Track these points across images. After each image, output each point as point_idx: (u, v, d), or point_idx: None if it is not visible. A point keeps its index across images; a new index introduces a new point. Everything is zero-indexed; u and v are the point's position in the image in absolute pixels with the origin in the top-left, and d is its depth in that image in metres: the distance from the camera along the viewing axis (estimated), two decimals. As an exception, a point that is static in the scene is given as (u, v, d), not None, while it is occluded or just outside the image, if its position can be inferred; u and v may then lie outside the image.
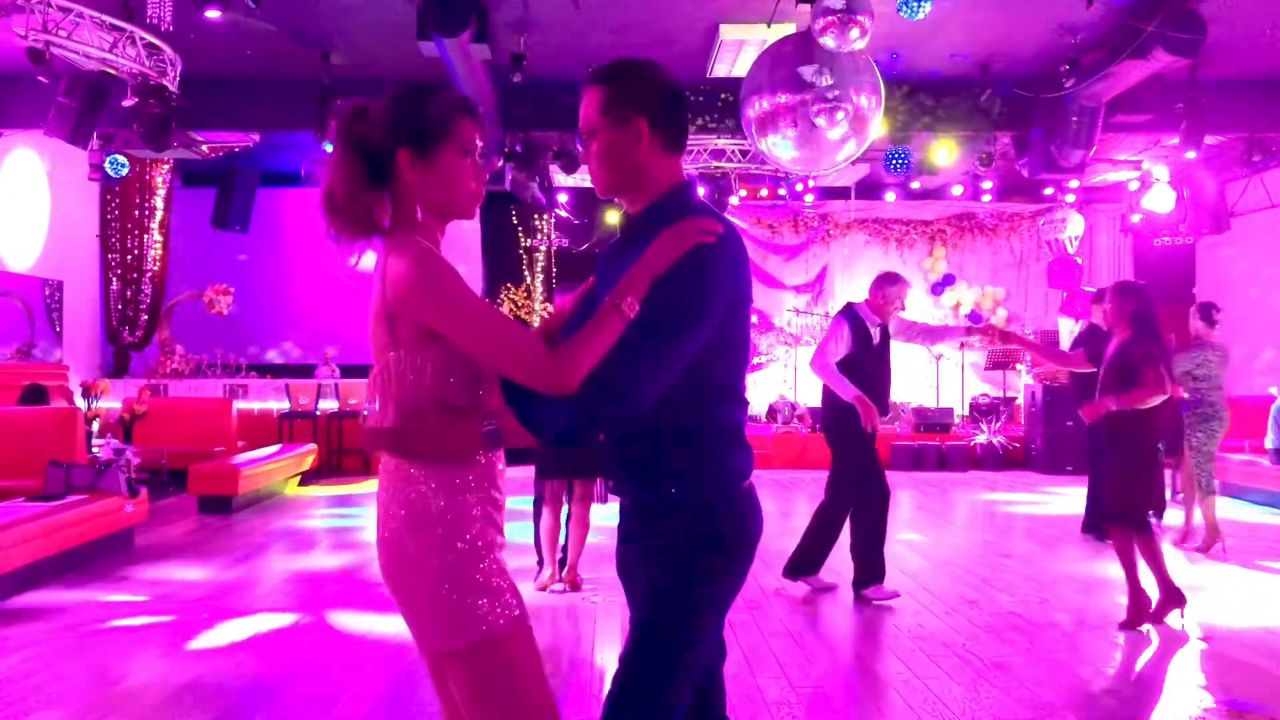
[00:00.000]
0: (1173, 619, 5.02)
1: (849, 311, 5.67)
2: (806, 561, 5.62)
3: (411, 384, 1.85)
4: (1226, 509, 9.03)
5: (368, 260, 2.01)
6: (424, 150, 1.89)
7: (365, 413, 2.06)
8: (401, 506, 1.85)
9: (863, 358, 5.49)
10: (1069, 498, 8.20)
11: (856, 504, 5.55)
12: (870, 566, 5.49)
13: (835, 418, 5.56)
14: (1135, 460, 4.94)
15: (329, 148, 2.00)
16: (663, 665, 1.93)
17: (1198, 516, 7.10)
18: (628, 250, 2.00)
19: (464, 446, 1.86)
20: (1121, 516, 4.98)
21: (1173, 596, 4.99)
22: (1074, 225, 13.55)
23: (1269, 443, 8.91)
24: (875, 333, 5.58)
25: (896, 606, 5.38)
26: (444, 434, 1.86)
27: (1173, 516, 7.37)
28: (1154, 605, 5.00)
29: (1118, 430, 4.97)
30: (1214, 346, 6.96)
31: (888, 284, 5.68)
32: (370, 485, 10.66)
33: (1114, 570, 6.40)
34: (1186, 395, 6.94)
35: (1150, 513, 4.92)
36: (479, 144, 1.96)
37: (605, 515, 7.74)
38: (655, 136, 2.01)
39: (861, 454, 5.53)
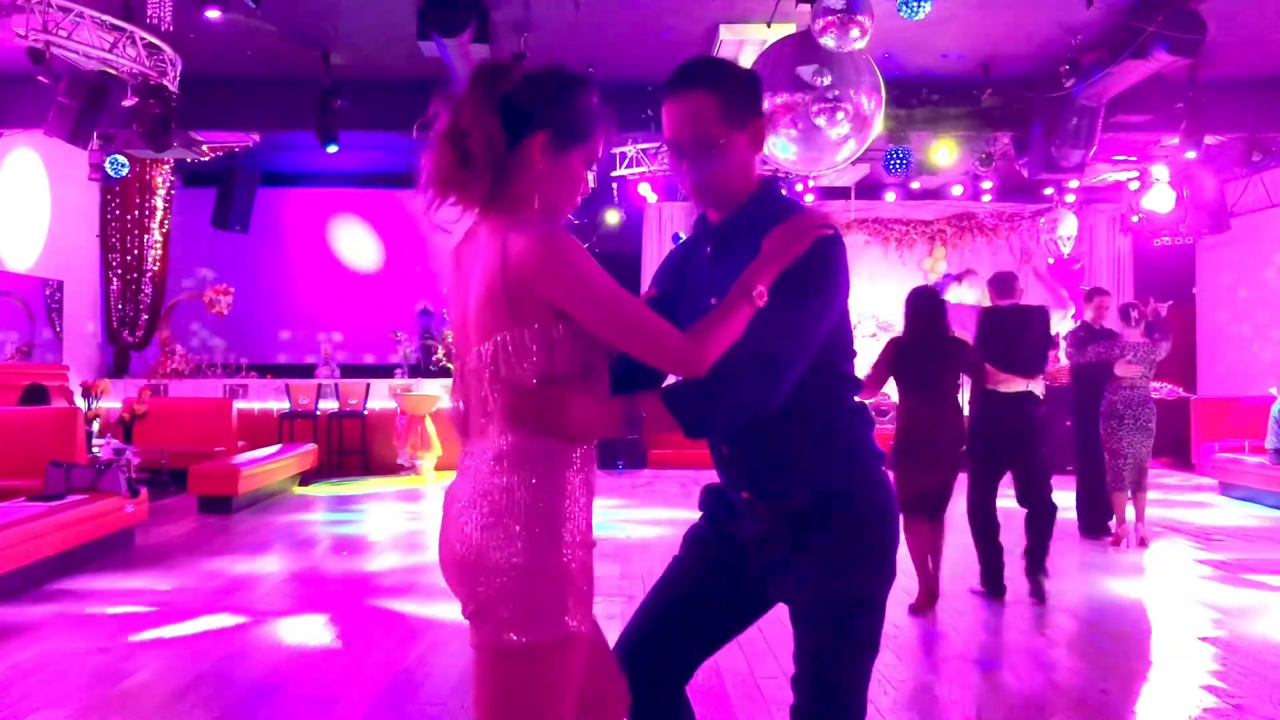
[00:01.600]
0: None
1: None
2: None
3: (539, 361, 1.75)
4: (1227, 509, 9.04)
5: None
6: (562, 144, 1.81)
7: (458, 403, 1.94)
8: (495, 489, 1.75)
9: None
10: (1069, 497, 8.19)
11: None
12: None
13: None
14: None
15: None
16: (859, 678, 2.00)
17: (1130, 512, 7.19)
18: (728, 254, 1.97)
19: (591, 424, 1.78)
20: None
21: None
22: (1067, 225, 13.55)
23: (1269, 443, 8.92)
24: None
25: (896, 606, 5.37)
26: (581, 407, 1.77)
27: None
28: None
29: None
30: (1128, 345, 6.98)
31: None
32: (370, 486, 10.66)
33: (1112, 570, 6.41)
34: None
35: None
36: (596, 161, 1.92)
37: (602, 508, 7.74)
38: (763, 137, 2.02)
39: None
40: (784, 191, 2.15)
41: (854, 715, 1.99)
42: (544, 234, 1.72)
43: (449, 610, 5.29)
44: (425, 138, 1.84)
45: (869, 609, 2.01)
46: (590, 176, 1.94)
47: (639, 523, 8.07)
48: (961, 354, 5.41)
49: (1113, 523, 7.30)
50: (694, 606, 2.11)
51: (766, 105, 2.07)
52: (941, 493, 5.28)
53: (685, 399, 1.82)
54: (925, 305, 5.42)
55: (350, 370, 12.57)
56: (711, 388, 1.79)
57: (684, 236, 14.55)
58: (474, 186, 1.78)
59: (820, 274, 1.89)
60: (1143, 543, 7.11)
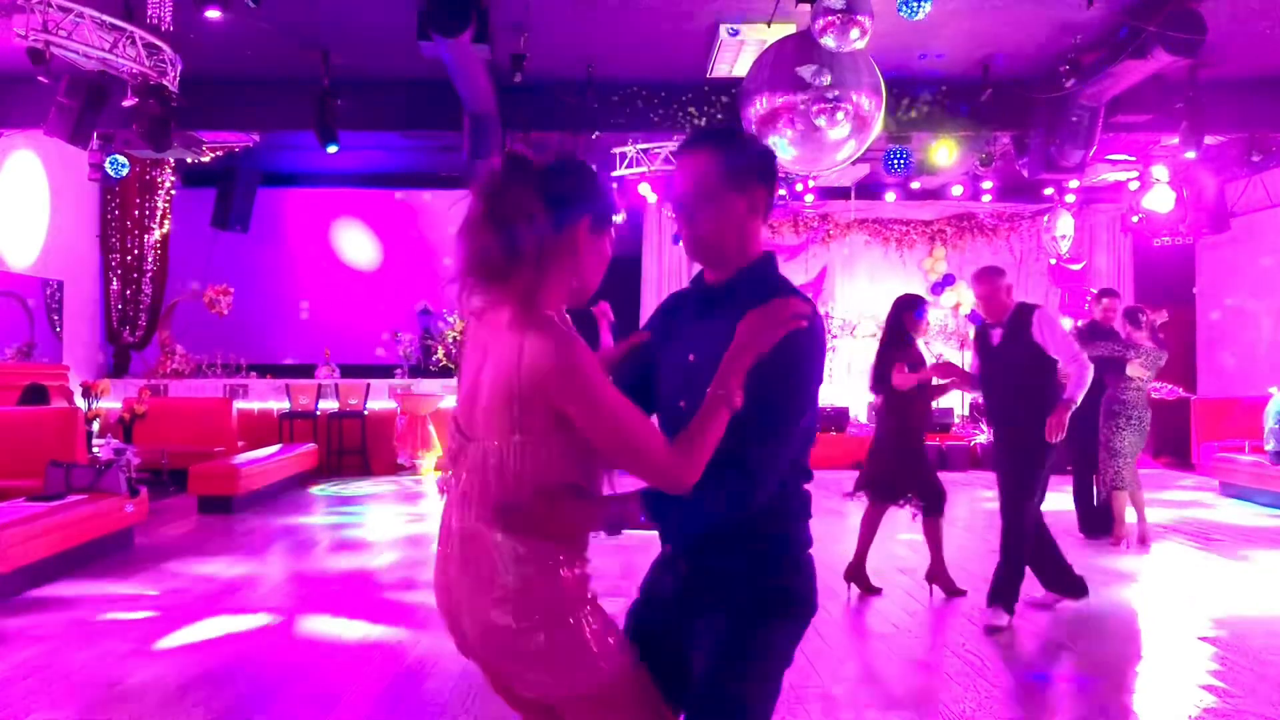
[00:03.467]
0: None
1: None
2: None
3: (540, 466, 1.81)
4: (1227, 509, 9.04)
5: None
6: (600, 228, 1.89)
7: (447, 477, 1.98)
8: (505, 584, 1.82)
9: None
10: (1069, 497, 8.19)
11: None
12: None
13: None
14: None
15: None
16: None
17: (1131, 514, 7.20)
18: (712, 317, 1.98)
19: (585, 528, 1.86)
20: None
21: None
22: (1063, 225, 13.55)
23: (1269, 445, 8.91)
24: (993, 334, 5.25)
25: (896, 606, 5.38)
26: (570, 515, 1.84)
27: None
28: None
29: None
30: (1141, 348, 6.97)
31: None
32: (370, 486, 10.66)
33: (1114, 570, 6.41)
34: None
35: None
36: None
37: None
38: (767, 212, 2.05)
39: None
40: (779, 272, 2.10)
41: None
42: (561, 340, 1.76)
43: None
44: (460, 226, 1.86)
45: (776, 666, 2.04)
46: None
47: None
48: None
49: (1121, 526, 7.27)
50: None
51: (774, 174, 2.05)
52: (885, 479, 5.70)
53: (664, 508, 1.86)
54: (893, 310, 5.81)
55: (350, 370, 12.57)
56: (690, 498, 1.82)
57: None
58: (519, 276, 1.79)
59: (791, 373, 1.89)
60: (1143, 541, 7.11)
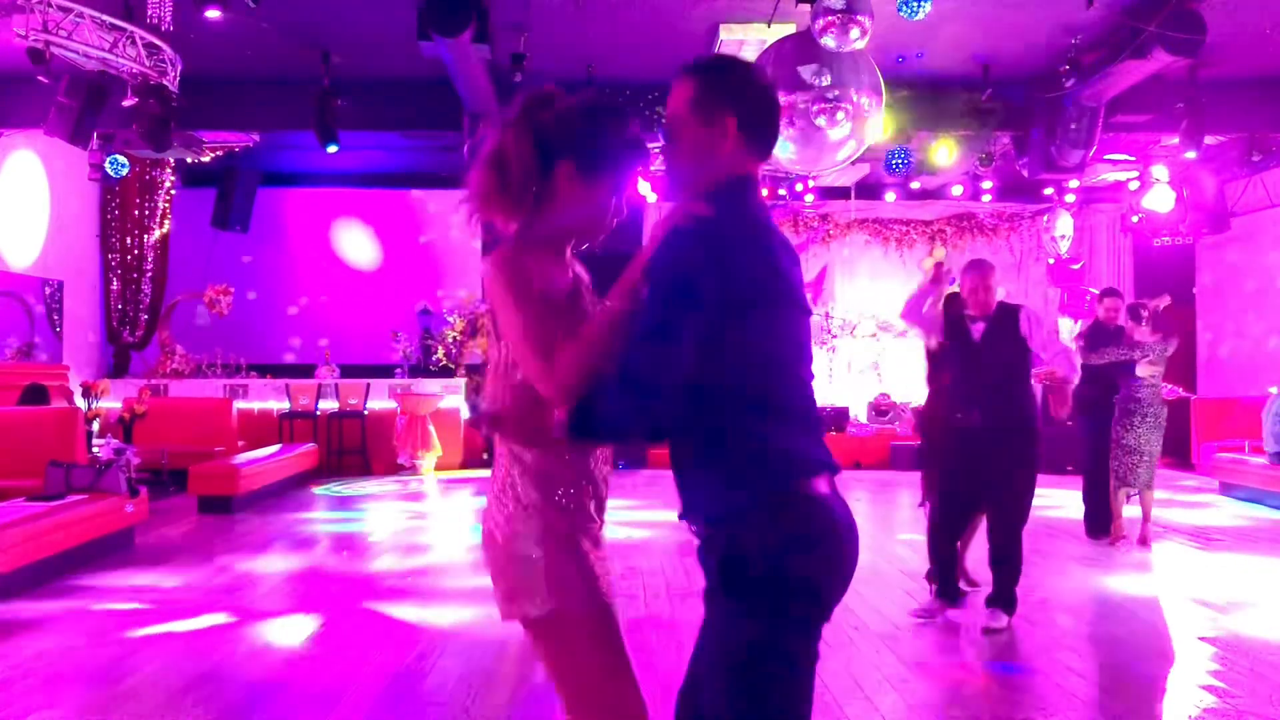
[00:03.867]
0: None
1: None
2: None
3: (504, 373, 1.95)
4: (1227, 509, 9.04)
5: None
6: (586, 174, 1.93)
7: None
8: (499, 486, 1.97)
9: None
10: (1070, 497, 8.21)
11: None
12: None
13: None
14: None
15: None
16: None
17: (1130, 511, 7.22)
18: None
19: (548, 432, 1.86)
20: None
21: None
22: (1062, 225, 13.55)
23: (1268, 446, 8.91)
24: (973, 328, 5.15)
25: (896, 606, 5.38)
26: (533, 420, 1.90)
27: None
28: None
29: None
30: (1145, 345, 6.99)
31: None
32: (370, 486, 10.66)
33: (1112, 570, 6.41)
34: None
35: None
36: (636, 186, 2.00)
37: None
38: (742, 139, 1.89)
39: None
40: (761, 193, 1.98)
41: None
42: (502, 252, 1.91)
43: (449, 611, 5.29)
44: (472, 155, 2.06)
45: (761, 656, 1.76)
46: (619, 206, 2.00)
47: (639, 523, 8.07)
48: None
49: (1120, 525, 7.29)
50: None
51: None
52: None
53: (571, 416, 1.80)
54: None
55: (350, 370, 12.56)
56: (587, 409, 1.78)
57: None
58: (514, 208, 1.94)
59: (663, 273, 1.76)
60: (1143, 542, 7.11)
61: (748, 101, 1.91)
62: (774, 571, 1.75)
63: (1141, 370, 6.95)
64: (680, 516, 1.92)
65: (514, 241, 1.95)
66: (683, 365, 1.74)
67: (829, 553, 1.80)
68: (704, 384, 1.77)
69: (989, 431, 4.95)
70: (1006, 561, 4.98)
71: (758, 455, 1.78)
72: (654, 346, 1.74)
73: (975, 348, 5.06)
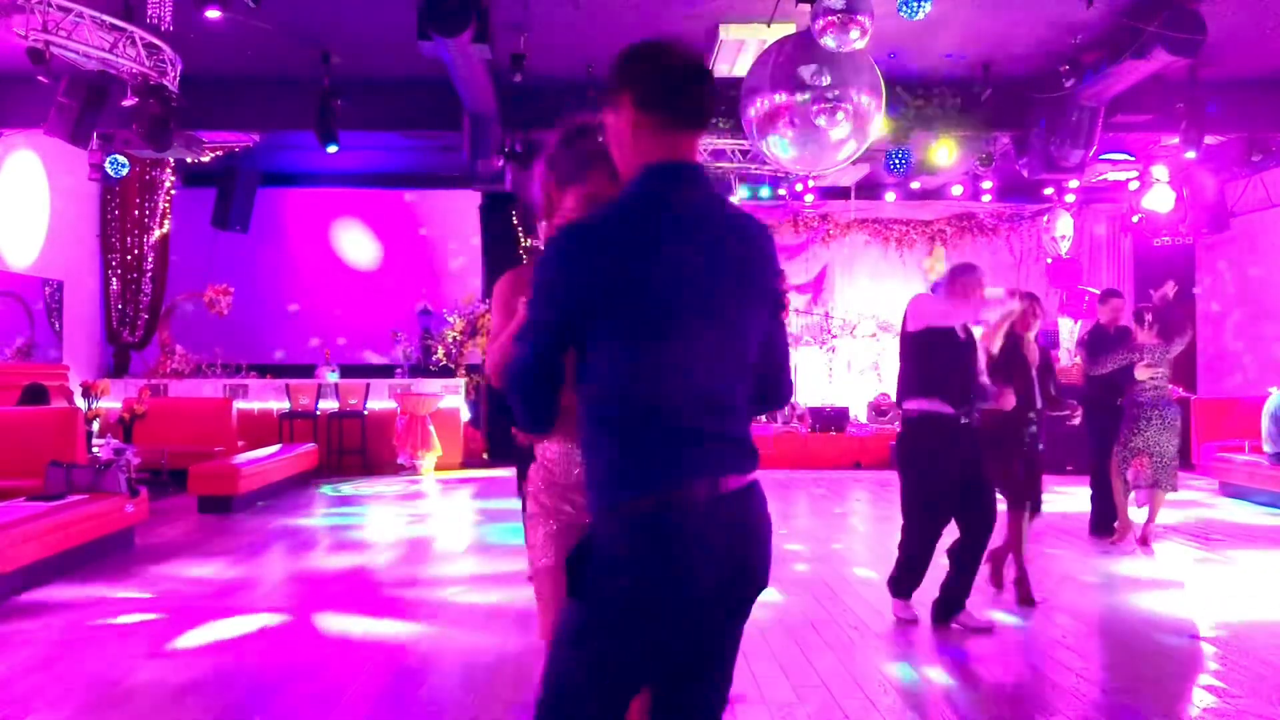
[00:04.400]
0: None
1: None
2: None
3: None
4: (1227, 509, 9.04)
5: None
6: (560, 184, 2.29)
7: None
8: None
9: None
10: (1071, 497, 8.21)
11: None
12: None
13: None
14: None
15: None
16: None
17: (1137, 512, 7.22)
18: None
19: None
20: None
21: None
22: (1062, 225, 13.55)
23: (1267, 447, 8.91)
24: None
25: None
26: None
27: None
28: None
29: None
30: (1144, 348, 6.99)
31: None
32: (370, 486, 10.66)
33: (1113, 569, 6.41)
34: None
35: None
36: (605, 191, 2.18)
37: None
38: (645, 116, 1.83)
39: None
40: (678, 183, 1.87)
41: None
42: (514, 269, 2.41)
43: (449, 610, 5.29)
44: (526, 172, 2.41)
45: (566, 641, 1.80)
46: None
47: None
48: None
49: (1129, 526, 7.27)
50: None
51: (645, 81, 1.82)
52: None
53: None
54: None
55: (350, 370, 12.56)
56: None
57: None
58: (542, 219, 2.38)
59: (535, 281, 1.82)
60: (1144, 541, 7.10)
61: (644, 78, 1.84)
62: (593, 580, 1.75)
63: (1140, 374, 6.95)
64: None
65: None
66: (541, 368, 1.80)
67: (641, 576, 1.72)
68: (579, 387, 1.84)
69: (974, 432, 5.00)
70: (977, 561, 5.03)
71: (604, 466, 1.79)
72: (517, 349, 1.85)
73: (962, 347, 5.10)
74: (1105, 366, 7.08)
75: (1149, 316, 7.14)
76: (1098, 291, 8.64)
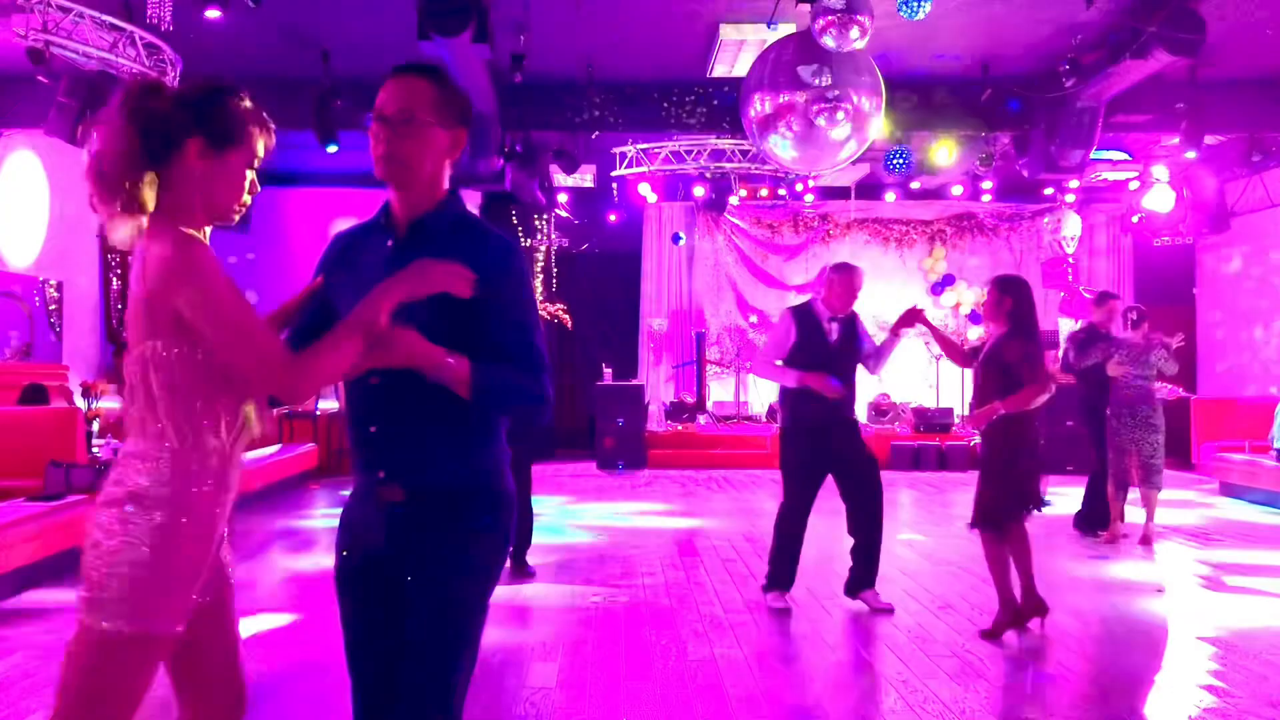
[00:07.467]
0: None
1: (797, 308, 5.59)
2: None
3: (170, 372, 1.89)
4: (1227, 509, 9.04)
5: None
6: (218, 146, 1.94)
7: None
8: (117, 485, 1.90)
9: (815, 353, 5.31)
10: (1070, 497, 8.20)
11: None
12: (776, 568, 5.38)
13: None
14: (993, 464, 4.84)
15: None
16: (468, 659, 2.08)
17: (1133, 513, 7.28)
18: (413, 255, 2.01)
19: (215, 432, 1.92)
20: (983, 521, 4.83)
21: (1032, 606, 4.80)
22: (1071, 225, 13.55)
23: (1276, 444, 8.93)
24: (832, 327, 5.35)
25: (896, 606, 5.37)
26: (195, 421, 1.89)
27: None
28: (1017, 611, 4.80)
29: (984, 433, 4.91)
30: (1117, 342, 7.07)
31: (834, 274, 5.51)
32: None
33: (1113, 569, 6.41)
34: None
35: (1028, 510, 4.78)
36: (259, 160, 2.04)
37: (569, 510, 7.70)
38: (458, 151, 2.12)
39: (787, 460, 5.40)
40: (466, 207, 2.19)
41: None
42: (178, 241, 1.86)
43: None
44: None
45: (481, 599, 2.07)
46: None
47: (638, 521, 8.07)
48: None
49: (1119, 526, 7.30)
50: (391, 652, 2.14)
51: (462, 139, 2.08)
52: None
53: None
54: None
55: (350, 370, 12.54)
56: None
57: (684, 236, 14.49)
58: (111, 201, 1.88)
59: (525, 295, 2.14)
60: (1146, 541, 7.11)
61: (469, 122, 2.16)
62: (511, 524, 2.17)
63: (1112, 369, 7.02)
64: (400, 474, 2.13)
65: (165, 223, 1.90)
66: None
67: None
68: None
69: (845, 424, 5.33)
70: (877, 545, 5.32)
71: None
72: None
73: (836, 348, 5.35)
74: (1084, 361, 7.20)
75: (1133, 315, 7.22)
76: (1091, 296, 8.66)
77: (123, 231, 1.93)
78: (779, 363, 5.38)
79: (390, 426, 2.04)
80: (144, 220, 1.91)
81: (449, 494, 2.04)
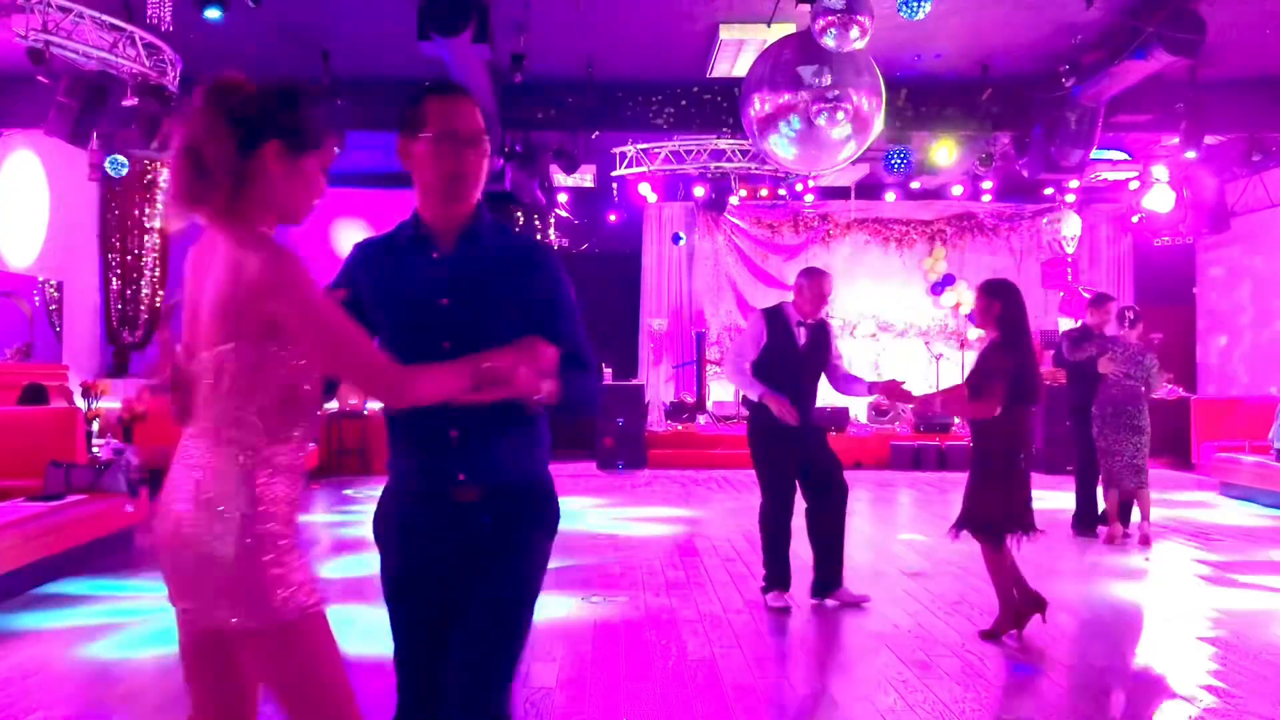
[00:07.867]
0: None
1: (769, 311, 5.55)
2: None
3: (253, 375, 1.91)
4: (1227, 509, 9.04)
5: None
6: (295, 150, 1.93)
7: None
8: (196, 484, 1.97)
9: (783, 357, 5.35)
10: (1069, 497, 8.20)
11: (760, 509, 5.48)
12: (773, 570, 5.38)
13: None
14: (981, 472, 4.78)
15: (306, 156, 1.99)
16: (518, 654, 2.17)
17: (1129, 513, 7.29)
18: (460, 259, 2.13)
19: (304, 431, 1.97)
20: (974, 528, 4.77)
21: (1030, 603, 4.73)
22: (1071, 225, 13.56)
23: (1276, 444, 8.94)
24: (800, 332, 5.37)
25: (896, 606, 5.37)
26: (268, 421, 1.93)
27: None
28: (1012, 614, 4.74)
29: (974, 439, 4.88)
30: (1114, 340, 7.12)
31: (804, 279, 5.46)
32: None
33: (1114, 570, 6.41)
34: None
35: (1012, 528, 4.65)
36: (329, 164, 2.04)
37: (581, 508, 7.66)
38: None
39: (757, 459, 5.46)
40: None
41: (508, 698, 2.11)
42: (276, 253, 1.87)
43: (449, 610, 5.28)
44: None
45: (538, 589, 2.17)
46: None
47: (638, 521, 8.07)
48: None
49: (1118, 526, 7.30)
50: (437, 654, 2.20)
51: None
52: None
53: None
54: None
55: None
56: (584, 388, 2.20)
57: (684, 236, 14.48)
58: (212, 197, 1.88)
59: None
60: (1144, 541, 7.12)
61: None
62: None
63: (1103, 366, 7.03)
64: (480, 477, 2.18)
65: (248, 227, 1.91)
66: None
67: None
68: None
69: (808, 429, 5.38)
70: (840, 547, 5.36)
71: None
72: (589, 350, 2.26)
73: (802, 352, 5.40)
74: (1078, 355, 7.25)
75: (1130, 315, 7.23)
76: (1089, 296, 8.66)
77: (180, 224, 1.96)
78: (748, 365, 5.40)
79: (473, 431, 2.09)
80: (210, 218, 1.91)
81: (518, 490, 2.14)
